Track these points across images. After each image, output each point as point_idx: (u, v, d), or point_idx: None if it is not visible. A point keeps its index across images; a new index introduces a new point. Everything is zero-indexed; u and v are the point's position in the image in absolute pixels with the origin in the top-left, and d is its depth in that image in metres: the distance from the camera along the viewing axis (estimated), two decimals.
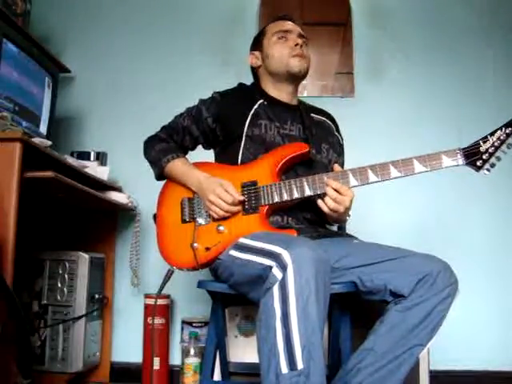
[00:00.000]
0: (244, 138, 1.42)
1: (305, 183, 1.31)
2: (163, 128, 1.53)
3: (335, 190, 1.26)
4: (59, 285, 1.83)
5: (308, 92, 2.21)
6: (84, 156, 2.00)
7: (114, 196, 1.95)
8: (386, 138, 2.16)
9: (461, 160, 1.25)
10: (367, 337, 1.17)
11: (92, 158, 2.02)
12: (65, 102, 2.19)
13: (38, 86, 1.81)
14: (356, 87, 2.23)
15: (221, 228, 1.32)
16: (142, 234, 2.08)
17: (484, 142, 1.24)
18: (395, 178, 1.27)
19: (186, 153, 1.53)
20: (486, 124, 2.10)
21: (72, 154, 1.98)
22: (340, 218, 1.37)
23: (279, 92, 1.51)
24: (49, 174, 1.38)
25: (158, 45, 2.28)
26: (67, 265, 1.84)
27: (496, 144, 1.23)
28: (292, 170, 1.39)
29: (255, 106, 1.46)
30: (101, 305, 1.95)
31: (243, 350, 1.61)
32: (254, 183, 1.34)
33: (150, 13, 2.31)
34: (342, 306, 1.29)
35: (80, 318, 1.80)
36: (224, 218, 1.32)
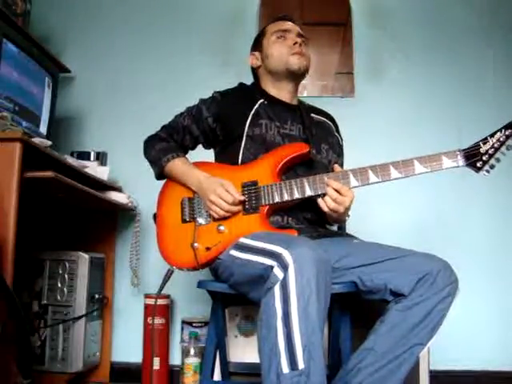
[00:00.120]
0: (244, 138, 1.42)
1: (305, 183, 1.31)
2: (163, 127, 1.53)
3: (336, 191, 1.27)
4: (59, 285, 1.83)
5: (308, 92, 2.21)
6: (84, 156, 2.00)
7: (114, 196, 1.95)
8: (386, 138, 2.16)
9: (461, 161, 1.25)
10: (367, 336, 1.17)
11: (92, 158, 2.02)
12: (65, 102, 2.19)
13: (38, 86, 1.81)
14: (356, 87, 2.23)
15: (221, 228, 1.32)
16: (142, 233, 2.08)
17: (484, 144, 1.25)
18: (396, 178, 1.28)
19: (186, 152, 1.53)
20: (486, 124, 2.10)
21: (72, 154, 1.98)
22: (340, 218, 1.38)
23: (279, 91, 1.51)
24: (49, 174, 1.38)
25: (158, 45, 2.28)
26: (67, 265, 1.84)
27: (496, 145, 1.24)
28: (292, 170, 1.39)
29: (256, 106, 1.46)
30: (101, 305, 1.95)
31: (243, 350, 1.61)
32: (255, 183, 1.34)
33: (149, 13, 2.31)
34: (342, 306, 1.29)
35: (80, 318, 1.80)
36: (224, 218, 1.32)
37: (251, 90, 1.54)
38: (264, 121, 1.43)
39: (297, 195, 1.31)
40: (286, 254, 1.01)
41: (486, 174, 1.25)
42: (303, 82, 1.59)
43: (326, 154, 1.49)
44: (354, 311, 1.31)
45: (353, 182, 1.29)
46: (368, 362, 1.13)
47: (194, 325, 1.98)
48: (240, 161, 1.41)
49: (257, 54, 1.55)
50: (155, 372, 1.90)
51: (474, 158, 1.25)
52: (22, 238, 1.36)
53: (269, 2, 2.29)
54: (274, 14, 2.20)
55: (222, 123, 1.46)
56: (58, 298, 1.82)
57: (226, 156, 1.46)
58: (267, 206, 1.32)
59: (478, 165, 1.24)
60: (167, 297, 1.98)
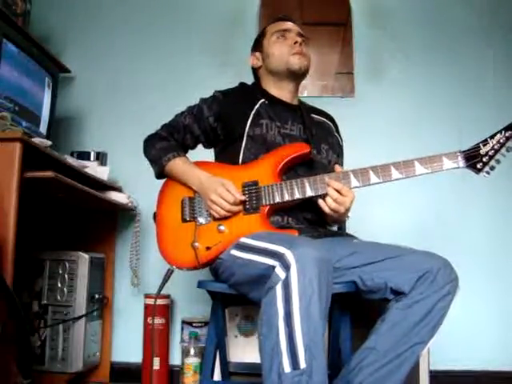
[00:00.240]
0: (245, 138, 1.42)
1: (306, 183, 1.31)
2: (164, 126, 1.53)
3: (336, 191, 1.27)
4: (59, 285, 1.83)
5: (308, 92, 2.21)
6: (84, 156, 2.00)
7: (114, 196, 1.95)
8: (386, 138, 2.16)
9: (461, 162, 1.26)
10: (368, 336, 1.17)
11: (92, 158, 2.02)
12: (65, 102, 2.19)
13: (38, 86, 1.81)
14: (356, 87, 2.23)
15: (221, 228, 1.32)
16: (142, 233, 2.08)
17: (484, 145, 1.26)
18: (396, 179, 1.28)
19: (186, 151, 1.53)
20: (486, 124, 2.11)
21: (72, 154, 1.98)
22: (339, 219, 1.38)
23: (280, 91, 1.51)
24: (49, 174, 1.38)
25: (157, 45, 2.28)
26: (67, 265, 1.84)
27: (496, 147, 1.25)
28: (292, 170, 1.39)
29: (256, 106, 1.46)
30: (101, 305, 1.95)
31: (243, 350, 1.61)
32: (255, 183, 1.34)
33: (149, 13, 2.31)
34: (342, 306, 1.29)
35: (80, 317, 1.80)
36: (225, 218, 1.32)
37: (252, 90, 1.54)
38: (265, 121, 1.43)
39: (297, 195, 1.31)
40: (289, 254, 1.01)
41: (486, 175, 1.25)
42: (303, 82, 1.59)
43: (326, 154, 1.49)
44: (354, 311, 1.31)
45: (354, 182, 1.29)
46: (369, 361, 1.13)
47: (194, 325, 1.98)
48: (241, 161, 1.41)
49: (257, 54, 1.55)
50: (155, 372, 1.90)
51: (474, 159, 1.25)
52: (22, 238, 1.36)
53: (269, 2, 2.29)
54: (274, 14, 2.20)
55: (223, 123, 1.46)
56: (58, 297, 1.82)
57: (227, 156, 1.46)
58: (268, 206, 1.32)
59: (479, 166, 1.25)
60: (167, 297, 1.98)
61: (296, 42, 1.48)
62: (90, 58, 2.28)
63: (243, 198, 1.31)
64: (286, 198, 1.31)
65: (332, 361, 1.35)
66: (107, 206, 2.02)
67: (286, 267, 1.00)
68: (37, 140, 1.49)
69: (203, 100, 1.51)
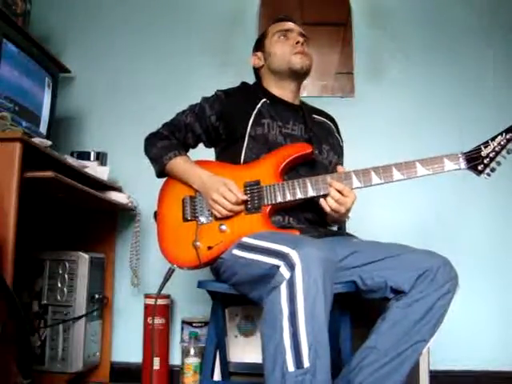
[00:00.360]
0: (247, 138, 1.42)
1: (308, 184, 1.31)
2: (165, 125, 1.53)
3: (338, 191, 1.27)
4: (59, 285, 1.83)
5: (308, 92, 2.21)
6: (84, 156, 2.00)
7: (114, 196, 1.95)
8: (386, 138, 2.16)
9: (463, 164, 1.27)
10: (369, 335, 1.18)
11: (92, 158, 2.02)
12: (65, 102, 2.19)
13: (38, 86, 1.81)
14: (356, 87, 2.23)
15: (223, 227, 1.32)
16: (142, 233, 2.08)
17: (485, 147, 1.27)
18: (398, 180, 1.28)
19: (187, 150, 1.53)
20: (487, 124, 2.12)
21: (72, 154, 1.97)
22: (340, 219, 1.39)
23: (282, 91, 1.52)
24: (49, 174, 1.38)
25: (157, 45, 2.28)
26: (67, 265, 1.84)
27: (497, 149, 1.26)
28: (294, 170, 1.40)
29: (258, 105, 1.46)
30: (101, 305, 1.95)
31: (243, 350, 1.61)
32: (257, 183, 1.34)
33: (149, 13, 2.31)
34: (342, 306, 1.29)
35: (80, 318, 1.80)
36: (226, 217, 1.32)
37: (254, 90, 1.54)
38: (266, 120, 1.43)
39: (299, 195, 1.31)
40: (294, 254, 1.01)
41: (487, 177, 1.27)
42: (304, 82, 1.59)
43: (326, 154, 1.49)
44: (354, 311, 1.31)
45: (355, 183, 1.29)
46: (370, 360, 1.13)
47: (194, 325, 1.98)
48: (242, 160, 1.41)
49: (259, 54, 1.55)
50: (155, 372, 1.90)
51: (475, 161, 1.26)
52: (22, 238, 1.36)
53: (269, 2, 2.29)
54: (274, 14, 2.21)
55: (225, 122, 1.46)
56: (58, 297, 1.82)
57: (228, 155, 1.45)
58: (269, 206, 1.32)
59: (480, 168, 1.26)
60: (167, 297, 1.98)
61: (298, 42, 1.48)
62: (90, 57, 2.28)
63: (245, 197, 1.31)
64: (288, 197, 1.31)
65: (332, 361, 1.34)
66: (107, 206, 2.02)
67: (291, 267, 1.00)
68: (37, 140, 1.49)
69: (205, 99, 1.51)
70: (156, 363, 1.91)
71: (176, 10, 2.31)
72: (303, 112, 1.52)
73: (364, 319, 1.28)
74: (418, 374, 1.49)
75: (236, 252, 1.24)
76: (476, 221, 2.11)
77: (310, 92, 2.22)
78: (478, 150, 1.27)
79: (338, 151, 1.57)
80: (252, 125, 1.42)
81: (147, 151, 1.51)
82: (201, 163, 1.43)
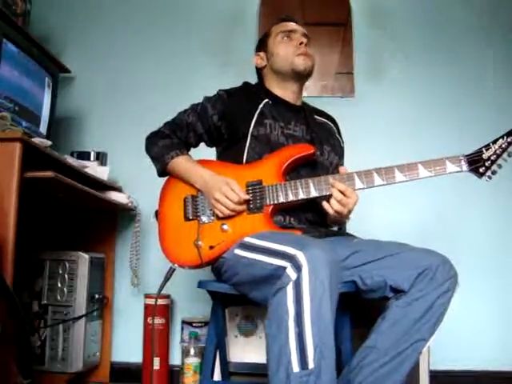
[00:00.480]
0: (249, 138, 1.42)
1: (310, 184, 1.31)
2: (166, 124, 1.52)
3: (341, 192, 1.27)
4: (59, 285, 1.83)
5: (308, 92, 2.21)
6: (84, 156, 2.00)
7: (114, 196, 1.95)
8: (386, 138, 2.16)
9: (464, 166, 1.28)
10: (369, 335, 1.18)
11: (92, 158, 2.02)
12: (65, 102, 2.19)
13: (38, 86, 1.81)
14: (356, 87, 2.23)
15: (225, 227, 1.32)
16: (142, 233, 2.08)
17: (486, 150, 1.27)
18: (400, 182, 1.29)
19: (188, 150, 1.53)
20: (486, 124, 2.13)
21: (72, 154, 1.98)
22: (341, 220, 1.39)
23: (284, 91, 1.52)
24: (49, 174, 1.38)
25: (158, 45, 2.28)
26: (67, 265, 1.84)
27: (498, 152, 1.26)
28: (295, 171, 1.40)
29: (260, 105, 1.46)
30: (101, 305, 1.95)
31: (243, 350, 1.61)
32: (259, 183, 1.34)
33: (149, 13, 2.31)
34: (342, 306, 1.29)
35: (80, 318, 1.80)
36: (228, 217, 1.32)
37: (256, 90, 1.54)
38: (268, 121, 1.43)
39: (302, 195, 1.31)
40: (300, 255, 1.01)
41: (488, 179, 1.28)
42: None
43: (328, 155, 1.49)
44: (354, 311, 1.31)
45: (358, 184, 1.30)
46: (370, 360, 1.13)
47: (194, 325, 1.98)
48: (245, 160, 1.41)
49: (261, 54, 1.55)
50: (155, 372, 1.90)
51: (476, 163, 1.27)
52: (22, 238, 1.36)
53: (269, 1, 2.29)
54: (274, 13, 2.21)
55: (227, 121, 1.46)
56: (58, 297, 1.82)
57: (230, 155, 1.45)
58: (271, 206, 1.32)
59: (481, 170, 1.27)
60: (167, 297, 1.98)
61: (301, 43, 1.48)
62: (90, 57, 2.28)
63: (247, 197, 1.32)
64: (291, 197, 1.31)
65: None
66: (107, 206, 2.02)
67: (298, 268, 1.00)
68: (37, 140, 1.49)
69: (207, 98, 1.51)
70: (156, 363, 1.91)
71: (176, 10, 2.31)
72: (305, 113, 1.52)
73: (364, 319, 1.28)
74: (418, 373, 1.49)
75: (238, 252, 1.24)
76: (476, 221, 2.11)
77: (311, 92, 2.22)
78: (479, 152, 1.28)
79: (339, 152, 1.57)
80: (254, 125, 1.42)
81: (148, 150, 1.51)
82: (202, 162, 1.43)
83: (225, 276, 1.30)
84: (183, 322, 2.01)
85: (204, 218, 1.35)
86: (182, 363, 1.90)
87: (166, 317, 1.96)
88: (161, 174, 1.48)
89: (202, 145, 1.57)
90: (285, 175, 1.36)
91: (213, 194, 1.32)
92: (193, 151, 1.56)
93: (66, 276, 1.83)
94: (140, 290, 2.06)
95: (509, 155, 1.26)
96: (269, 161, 1.38)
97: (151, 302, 1.93)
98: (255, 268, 1.16)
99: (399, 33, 2.26)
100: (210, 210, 1.35)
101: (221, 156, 1.53)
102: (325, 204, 1.29)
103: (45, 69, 1.87)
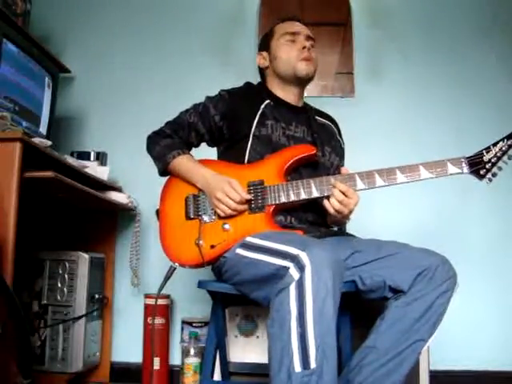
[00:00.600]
0: (251, 138, 1.42)
1: (312, 184, 1.32)
2: (168, 123, 1.52)
3: (342, 193, 1.28)
4: (59, 285, 1.83)
5: (308, 92, 2.19)
6: (84, 156, 2.00)
7: (114, 196, 1.95)
8: (386, 138, 2.16)
9: (465, 168, 1.28)
10: (368, 335, 1.18)
11: (92, 158, 2.02)
12: (65, 102, 2.19)
13: (38, 86, 1.81)
14: (356, 87, 2.23)
15: (226, 226, 1.32)
16: (142, 234, 2.08)
17: (487, 152, 1.28)
18: (401, 183, 1.30)
19: (190, 149, 1.53)
20: (485, 124, 2.13)
21: (72, 154, 1.98)
22: (341, 220, 1.40)
23: (286, 93, 1.52)
24: (49, 174, 1.38)
25: (157, 45, 2.28)
26: (67, 265, 1.84)
27: (498, 154, 1.27)
28: (297, 171, 1.40)
29: (262, 106, 1.46)
30: (101, 305, 1.95)
31: (243, 350, 1.61)
32: (261, 183, 1.34)
33: (149, 13, 2.31)
34: (342, 306, 1.29)
35: (80, 318, 1.80)
36: (230, 216, 1.32)
37: (258, 90, 1.54)
38: (270, 122, 1.44)
39: (303, 196, 1.31)
40: (303, 256, 1.01)
41: (488, 182, 1.28)
42: None
43: (329, 156, 1.50)
44: (354, 311, 1.31)
45: (359, 184, 1.30)
46: (370, 360, 1.13)
47: (194, 325, 1.98)
48: (246, 160, 1.41)
49: (264, 54, 1.54)
50: (155, 372, 1.90)
51: (477, 165, 1.28)
52: (22, 238, 1.36)
53: (269, 1, 2.29)
54: (274, 13, 2.21)
55: (229, 122, 1.46)
56: (58, 297, 1.82)
57: (232, 155, 1.45)
58: (273, 206, 1.32)
59: (482, 172, 1.28)
60: (167, 297, 1.98)
61: (305, 47, 1.47)
62: (90, 57, 2.28)
63: (249, 196, 1.32)
64: (292, 198, 1.32)
65: None
66: (107, 206, 2.02)
67: (301, 268, 1.00)
68: (37, 140, 1.49)
69: (209, 98, 1.51)
70: (156, 363, 1.91)
71: (176, 10, 2.31)
72: (307, 114, 1.52)
73: (364, 319, 1.28)
74: (418, 373, 1.49)
75: (240, 251, 1.24)
76: (476, 221, 2.11)
77: (310, 92, 2.21)
78: (480, 154, 1.28)
79: (340, 153, 1.57)
80: (256, 125, 1.43)
81: (150, 150, 1.51)
82: (204, 162, 1.43)
83: (225, 276, 1.30)
84: (183, 322, 2.01)
85: (205, 218, 1.35)
86: (182, 363, 1.90)
87: (166, 317, 1.96)
88: (162, 173, 1.48)
89: (203, 144, 1.57)
90: (286, 176, 1.37)
91: (214, 194, 1.32)
92: (193, 151, 1.56)
93: (66, 276, 1.83)
94: (140, 290, 2.06)
95: (509, 158, 1.27)
96: (270, 161, 1.38)
97: (151, 301, 1.93)
98: (257, 268, 1.16)
99: (399, 33, 2.26)
100: (212, 209, 1.35)
101: (222, 156, 1.53)
102: (326, 203, 1.29)
103: (45, 69, 1.87)
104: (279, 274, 1.06)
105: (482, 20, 2.24)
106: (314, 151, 1.38)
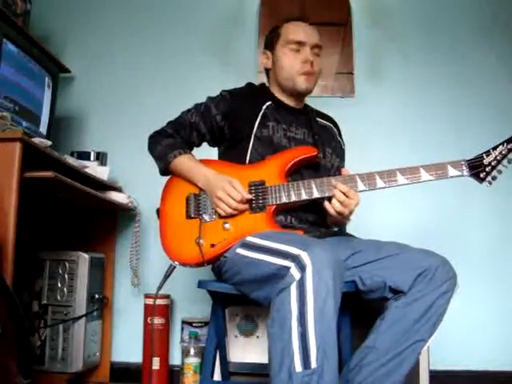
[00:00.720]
0: (253, 139, 1.42)
1: (313, 185, 1.32)
2: (169, 123, 1.53)
3: (343, 193, 1.28)
4: (59, 285, 1.83)
5: None
6: (84, 156, 2.00)
7: (114, 196, 1.95)
8: (386, 138, 2.16)
9: (465, 171, 1.29)
10: (368, 335, 1.18)
11: (92, 158, 2.02)
12: (65, 102, 2.19)
13: (38, 86, 1.81)
14: (356, 87, 2.23)
15: (226, 225, 1.32)
16: (142, 233, 2.08)
17: (487, 156, 1.29)
18: (402, 184, 1.30)
19: (191, 149, 1.53)
20: (485, 124, 2.13)
21: (72, 154, 1.98)
22: (342, 221, 1.40)
23: (286, 98, 1.52)
24: (49, 174, 1.39)
25: (157, 45, 2.28)
26: (67, 265, 1.84)
27: (498, 158, 1.28)
28: (298, 172, 1.40)
29: (263, 107, 1.46)
30: (101, 305, 1.95)
31: (243, 350, 1.61)
32: (262, 183, 1.35)
33: (149, 13, 2.31)
34: (342, 306, 1.29)
35: (80, 318, 1.80)
36: (230, 216, 1.32)
37: (260, 91, 1.54)
38: (271, 123, 1.44)
39: (304, 196, 1.32)
40: (304, 256, 1.02)
41: (488, 185, 1.29)
42: None
43: (330, 157, 1.50)
44: (354, 311, 1.31)
45: (360, 186, 1.31)
46: (370, 360, 1.14)
47: (194, 325, 1.98)
48: (247, 161, 1.41)
49: (268, 53, 1.53)
50: (155, 372, 1.90)
51: (477, 168, 1.29)
52: (22, 238, 1.36)
53: (269, 1, 2.29)
54: (274, 13, 2.21)
55: (231, 122, 1.46)
56: (58, 297, 1.82)
57: (233, 155, 1.45)
58: (274, 206, 1.33)
59: (482, 175, 1.29)
60: (167, 297, 1.98)
61: (307, 61, 1.43)
62: (90, 57, 2.28)
63: (250, 196, 1.32)
64: (293, 198, 1.32)
65: None
66: (107, 206, 2.02)
67: (302, 268, 1.01)
68: (37, 140, 1.49)
69: (211, 98, 1.51)
70: (156, 363, 1.91)
71: (176, 10, 2.30)
72: (308, 116, 1.53)
73: (364, 319, 1.28)
74: (417, 373, 1.49)
75: (240, 251, 1.24)
76: (476, 222, 2.10)
77: None
78: (480, 158, 1.29)
79: (340, 154, 1.58)
80: (258, 126, 1.43)
81: (151, 149, 1.51)
82: (206, 162, 1.44)
83: (226, 275, 1.30)
84: (183, 322, 2.01)
85: (206, 217, 1.35)
86: (182, 363, 1.90)
87: (166, 317, 1.96)
88: (163, 172, 1.49)
89: (203, 144, 1.57)
90: (287, 176, 1.37)
91: (215, 193, 1.32)
92: (194, 151, 1.56)
93: (66, 276, 1.83)
94: (140, 290, 2.06)
95: (509, 162, 1.28)
96: (272, 162, 1.38)
97: (151, 301, 1.93)
98: (258, 267, 1.16)
99: (399, 33, 2.26)
100: (212, 208, 1.35)
101: (223, 156, 1.53)
102: (326, 204, 1.30)
103: (45, 69, 1.87)
104: (280, 273, 1.06)
105: (481, 20, 2.24)
106: (316, 153, 1.39)
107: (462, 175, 1.30)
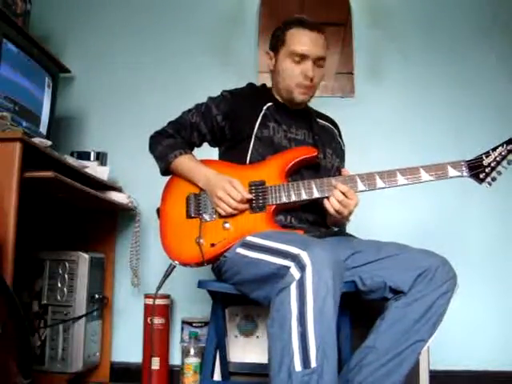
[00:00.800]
0: (253, 139, 1.42)
1: (313, 185, 1.32)
2: (170, 123, 1.53)
3: (342, 193, 1.28)
4: (59, 285, 1.83)
5: None
6: (84, 156, 2.00)
7: (114, 196, 1.95)
8: (386, 138, 2.16)
9: (465, 172, 1.30)
10: (368, 335, 1.18)
11: (92, 158, 2.02)
12: (65, 102, 2.19)
13: (38, 86, 1.81)
14: (356, 87, 2.23)
15: (226, 225, 1.32)
16: (142, 233, 2.08)
17: (486, 157, 1.30)
18: (402, 185, 1.31)
19: (192, 149, 1.53)
20: (485, 124, 2.13)
21: (72, 154, 1.98)
22: (341, 221, 1.40)
23: (285, 101, 1.52)
24: (49, 174, 1.39)
25: (157, 45, 2.28)
26: (67, 265, 1.84)
27: (498, 159, 1.29)
28: (298, 173, 1.40)
29: (264, 108, 1.46)
30: (101, 305, 1.95)
31: (243, 350, 1.61)
32: (262, 183, 1.35)
33: (149, 13, 2.31)
34: (342, 306, 1.29)
35: (80, 318, 1.80)
36: (230, 216, 1.33)
37: (261, 92, 1.54)
38: (272, 124, 1.45)
39: (304, 196, 1.32)
40: (304, 255, 1.02)
41: (488, 186, 1.30)
42: None
43: (330, 158, 1.50)
44: (354, 311, 1.31)
45: (360, 186, 1.31)
46: (370, 360, 1.14)
47: (194, 325, 1.98)
48: (248, 161, 1.42)
49: (272, 54, 1.50)
50: (155, 372, 1.90)
51: (477, 169, 1.29)
52: (22, 238, 1.36)
53: (269, 1, 2.29)
54: (274, 13, 2.21)
55: (231, 122, 1.47)
56: (58, 297, 1.82)
57: (234, 155, 1.46)
58: (274, 206, 1.33)
59: (481, 176, 1.29)
60: (167, 297, 1.98)
61: (307, 77, 1.41)
62: (90, 57, 2.28)
63: (250, 196, 1.32)
64: (293, 198, 1.32)
65: None
66: (107, 206, 2.02)
67: (302, 268, 1.01)
68: (37, 140, 1.49)
69: (211, 99, 1.51)
70: (156, 363, 1.91)
71: (176, 10, 2.30)
72: (308, 116, 1.53)
73: (364, 319, 1.28)
74: (418, 373, 1.49)
75: (240, 251, 1.24)
76: (476, 223, 2.10)
77: None
78: (479, 158, 1.30)
79: (340, 155, 1.58)
80: (259, 127, 1.43)
81: (152, 149, 1.51)
82: (206, 162, 1.44)
83: (226, 275, 1.30)
84: (183, 322, 2.01)
85: (206, 216, 1.35)
86: (182, 363, 1.90)
87: (166, 317, 1.96)
88: (164, 172, 1.49)
89: (204, 144, 1.58)
90: (287, 177, 1.37)
91: (216, 192, 1.32)
92: (195, 151, 1.56)
93: (66, 276, 1.83)
94: (140, 290, 2.06)
95: (508, 163, 1.28)
96: (272, 162, 1.39)
97: (151, 302, 1.93)
98: (258, 267, 1.16)
99: (399, 33, 2.26)
100: (212, 208, 1.35)
101: (223, 156, 1.53)
102: (326, 203, 1.30)
103: (45, 69, 1.87)
104: (280, 273, 1.06)
105: (481, 20, 2.24)
106: (316, 153, 1.39)
107: (462, 176, 1.30)
